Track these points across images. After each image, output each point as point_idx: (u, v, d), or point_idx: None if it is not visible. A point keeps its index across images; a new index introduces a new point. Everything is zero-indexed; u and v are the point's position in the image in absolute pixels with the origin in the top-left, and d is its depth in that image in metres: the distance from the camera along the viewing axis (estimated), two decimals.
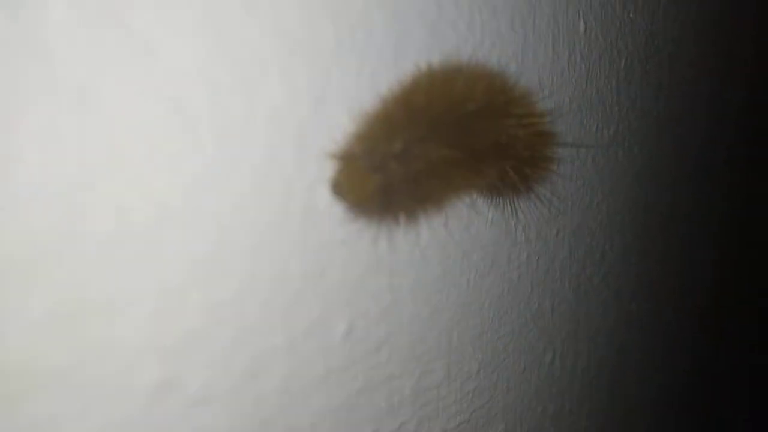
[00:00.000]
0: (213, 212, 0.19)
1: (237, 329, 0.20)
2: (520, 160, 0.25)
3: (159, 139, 0.17)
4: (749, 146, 0.67)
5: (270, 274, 0.20)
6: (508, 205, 0.28)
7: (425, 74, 0.23)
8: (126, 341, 0.18)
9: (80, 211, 0.16)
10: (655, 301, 0.56)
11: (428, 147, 0.21)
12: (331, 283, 0.22)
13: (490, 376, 0.34)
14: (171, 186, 0.18)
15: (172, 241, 0.18)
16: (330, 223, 0.22)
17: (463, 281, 0.30)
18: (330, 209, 0.21)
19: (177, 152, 0.18)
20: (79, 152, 0.16)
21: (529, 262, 0.35)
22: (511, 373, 0.36)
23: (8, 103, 0.15)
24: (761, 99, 0.67)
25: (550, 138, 0.27)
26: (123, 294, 0.17)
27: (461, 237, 0.28)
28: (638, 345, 0.55)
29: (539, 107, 0.27)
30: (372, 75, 0.22)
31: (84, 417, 0.17)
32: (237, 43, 0.18)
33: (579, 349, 0.43)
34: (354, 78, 0.21)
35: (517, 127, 0.24)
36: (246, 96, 0.18)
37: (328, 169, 0.21)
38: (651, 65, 0.44)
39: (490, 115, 0.24)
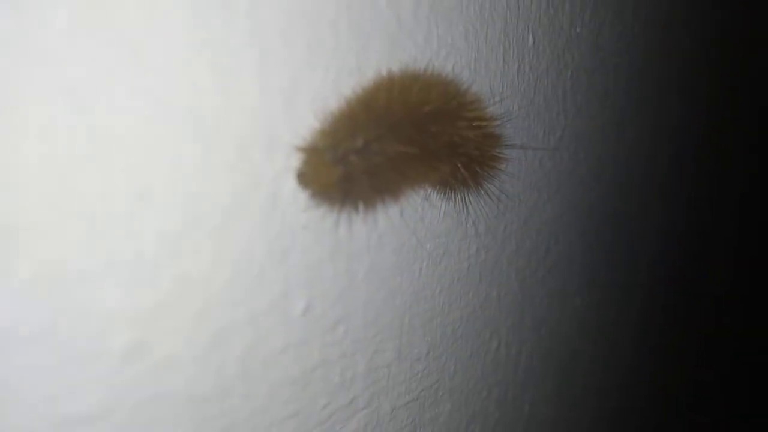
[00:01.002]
0: (187, 195, 0.21)
1: (203, 302, 0.22)
2: (470, 159, 0.28)
3: (143, 130, 0.19)
4: (693, 150, 0.72)
5: (236, 253, 0.23)
6: (460, 199, 0.31)
7: (385, 79, 0.25)
8: (100, 308, 0.19)
9: (68, 189, 0.18)
10: (600, 297, 0.59)
11: (386, 143, 0.24)
12: (292, 264, 0.24)
13: (439, 359, 0.36)
14: (151, 171, 0.20)
15: (148, 219, 0.20)
16: (294, 209, 0.24)
17: (416, 268, 0.32)
18: (294, 196, 0.24)
19: (158, 142, 0.19)
20: (70, 139, 0.18)
21: (478, 254, 0.38)
22: (459, 357, 0.39)
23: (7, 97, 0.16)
24: (706, 106, 0.72)
25: (498, 140, 0.30)
26: (100, 265, 0.19)
27: (416, 227, 0.31)
28: (584, 338, 0.59)
29: (489, 112, 0.30)
30: (337, 79, 0.24)
31: (54, 374, 0.19)
32: (218, 49, 0.20)
33: (523, 339, 0.47)
34: (321, 81, 0.24)
35: (468, 128, 0.27)
36: (224, 95, 0.21)
37: (295, 160, 0.23)
38: (597, 76, 0.48)
39: (444, 117, 0.26)
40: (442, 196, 0.31)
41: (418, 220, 0.31)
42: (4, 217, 0.17)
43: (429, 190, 0.30)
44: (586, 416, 0.63)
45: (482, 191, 0.31)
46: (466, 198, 0.31)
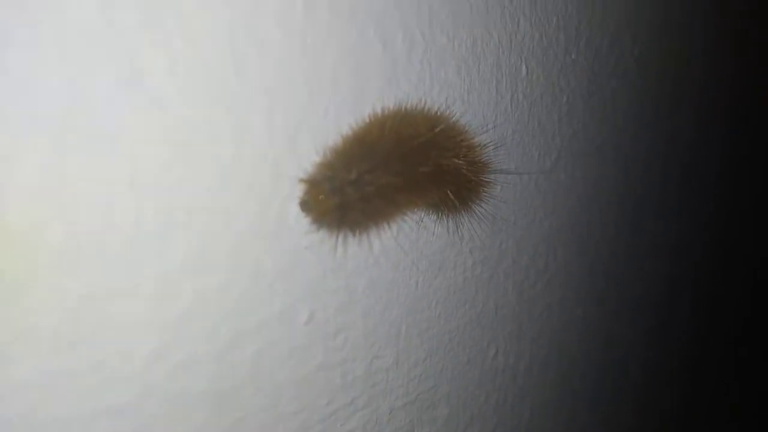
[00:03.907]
0: (206, 221, 0.25)
1: (218, 312, 0.26)
2: (458, 185, 0.31)
3: (169, 169, 0.23)
4: (695, 168, 0.74)
5: (248, 270, 0.26)
6: (452, 222, 0.34)
7: (379, 117, 0.29)
8: (130, 316, 0.23)
9: (108, 222, 0.22)
10: (601, 310, 0.62)
11: (377, 175, 0.27)
12: (296, 280, 0.28)
13: (436, 365, 0.40)
14: (176, 202, 0.23)
15: (173, 241, 0.24)
16: (298, 232, 0.27)
17: (412, 283, 0.36)
18: (298, 222, 0.27)
19: (181, 178, 0.23)
20: (111, 183, 0.21)
21: (474, 268, 0.41)
22: (456, 364, 0.42)
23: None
24: (705, 127, 0.74)
25: (486, 166, 0.33)
26: (131, 280, 0.23)
27: (410, 248, 0.34)
28: (584, 349, 0.61)
29: (476, 141, 0.33)
30: (336, 118, 0.28)
31: (95, 372, 0.23)
32: (231, 98, 0.24)
33: (521, 348, 0.49)
34: (321, 121, 0.27)
35: (455, 157, 0.30)
36: (237, 135, 0.24)
37: (298, 190, 0.27)
38: (594, 99, 0.50)
39: (432, 149, 0.29)
40: (435, 219, 0.34)
41: (412, 242, 0.34)
42: (57, 244, 0.21)
43: (422, 215, 0.34)
44: (590, 423, 0.65)
45: (474, 214, 0.34)
46: (458, 220, 0.34)
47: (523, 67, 0.40)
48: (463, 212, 0.34)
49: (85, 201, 0.21)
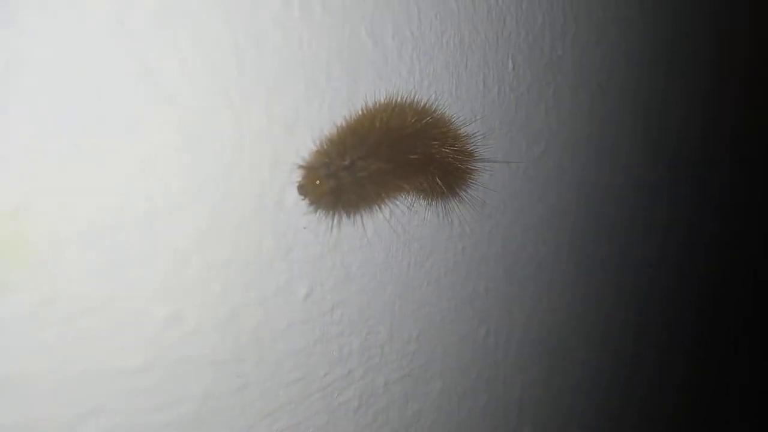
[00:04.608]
0: (212, 203, 0.27)
1: (223, 285, 0.28)
2: (444, 172, 0.34)
3: (177, 157, 0.25)
4: (684, 156, 0.76)
5: (250, 249, 0.29)
6: (442, 207, 0.37)
7: (370, 109, 0.31)
8: (147, 286, 0.26)
9: (123, 199, 0.24)
10: (590, 293, 0.64)
11: (369, 161, 0.30)
12: (295, 257, 0.31)
13: (429, 342, 0.42)
14: (186, 186, 0.26)
15: (183, 220, 0.26)
16: (296, 214, 0.30)
17: (404, 264, 0.38)
18: (296, 204, 0.30)
19: (189, 165, 0.26)
20: (116, 161, 0.24)
21: (464, 252, 0.43)
22: (448, 342, 0.44)
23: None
24: (693, 113, 0.76)
25: (471, 154, 0.35)
26: (146, 254, 0.26)
27: (402, 231, 0.37)
28: (576, 332, 0.64)
29: (463, 131, 0.35)
30: (330, 109, 0.30)
31: (114, 336, 0.25)
32: (233, 92, 0.26)
33: (512, 328, 0.52)
34: (317, 111, 0.30)
35: (441, 146, 0.33)
36: (238, 125, 0.27)
37: (296, 175, 0.29)
38: (581, 91, 0.53)
39: (420, 138, 0.32)
40: (425, 204, 0.37)
41: (404, 225, 0.37)
42: (80, 219, 0.24)
43: (413, 199, 0.36)
44: (577, 400, 0.68)
45: (463, 199, 0.37)
46: (448, 205, 0.37)
47: (510, 63, 0.42)
48: (451, 198, 0.36)
49: (105, 183, 0.24)
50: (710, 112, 0.80)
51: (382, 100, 0.32)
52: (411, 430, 0.43)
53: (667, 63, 0.67)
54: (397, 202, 0.35)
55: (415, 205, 0.37)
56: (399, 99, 0.33)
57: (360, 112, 0.31)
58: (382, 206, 0.33)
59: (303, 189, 0.29)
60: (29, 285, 0.23)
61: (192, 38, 0.25)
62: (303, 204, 0.30)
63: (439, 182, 0.34)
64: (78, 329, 0.24)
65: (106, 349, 0.25)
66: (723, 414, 1.06)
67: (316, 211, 0.30)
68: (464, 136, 0.35)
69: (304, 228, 0.31)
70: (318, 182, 0.29)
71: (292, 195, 0.30)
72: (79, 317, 0.24)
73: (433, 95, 0.36)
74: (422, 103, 0.34)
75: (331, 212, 0.30)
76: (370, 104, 0.31)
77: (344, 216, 0.31)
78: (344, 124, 0.30)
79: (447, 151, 0.33)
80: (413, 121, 0.32)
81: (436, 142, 0.33)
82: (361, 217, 0.32)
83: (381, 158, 0.30)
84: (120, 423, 0.26)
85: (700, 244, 0.87)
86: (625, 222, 0.66)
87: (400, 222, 0.37)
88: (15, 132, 0.21)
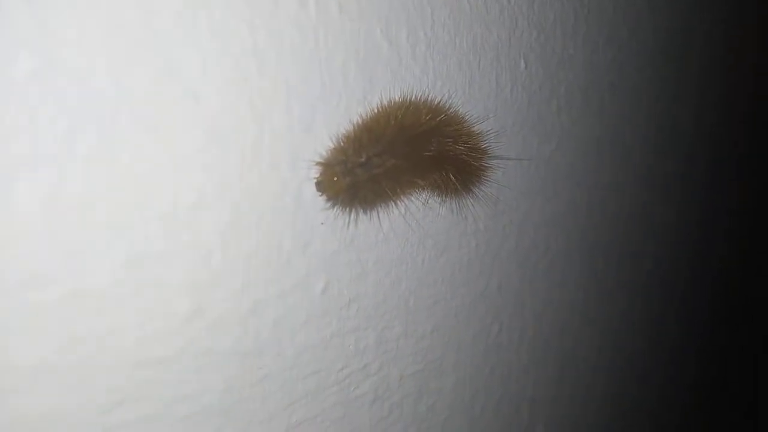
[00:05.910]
0: (233, 200, 0.28)
1: (244, 279, 0.29)
2: (458, 169, 0.34)
3: (200, 155, 0.26)
4: (696, 155, 0.76)
5: (269, 244, 0.30)
6: (455, 203, 0.38)
7: (385, 107, 0.32)
8: (171, 281, 0.27)
9: (154, 198, 0.25)
10: (602, 292, 0.64)
11: (385, 158, 0.31)
12: (313, 253, 0.31)
13: (443, 337, 0.43)
14: (208, 181, 0.27)
15: (205, 219, 0.27)
16: (314, 210, 0.31)
17: (419, 260, 0.39)
18: (314, 200, 0.31)
19: (211, 163, 0.27)
20: (142, 158, 0.25)
21: (478, 249, 0.44)
22: (462, 338, 0.45)
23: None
24: (704, 113, 0.76)
25: (485, 152, 0.36)
26: (171, 251, 0.26)
27: (417, 227, 0.37)
28: (587, 330, 0.64)
29: (476, 129, 0.36)
30: (347, 107, 0.31)
31: (142, 327, 0.26)
32: (253, 91, 0.27)
33: (525, 326, 0.52)
34: (334, 110, 0.30)
35: (455, 143, 0.34)
36: (258, 124, 0.28)
37: (314, 172, 0.30)
38: (592, 91, 0.53)
39: (434, 135, 0.33)
40: (439, 200, 0.38)
41: (419, 219, 0.37)
42: (107, 215, 0.24)
43: (428, 196, 0.37)
44: (590, 398, 0.68)
45: (476, 196, 0.37)
46: (461, 202, 0.37)
47: (522, 62, 0.43)
48: (464, 194, 0.37)
49: (131, 180, 0.25)
50: (721, 110, 0.80)
51: (397, 99, 0.33)
52: (425, 425, 0.44)
53: (677, 61, 0.67)
54: (412, 199, 0.36)
55: (429, 201, 0.37)
56: (413, 97, 0.33)
57: (375, 111, 0.32)
58: (398, 202, 0.34)
59: (320, 185, 0.30)
60: (60, 277, 0.24)
61: (214, 39, 0.26)
62: (321, 200, 0.31)
63: (453, 179, 0.34)
64: (106, 321, 0.25)
65: (133, 340, 0.26)
66: (736, 413, 1.05)
67: (333, 207, 0.31)
68: (477, 133, 0.36)
69: (322, 224, 0.31)
70: (335, 179, 0.30)
71: (310, 191, 0.30)
72: (108, 310, 0.25)
73: (447, 94, 0.37)
74: (436, 102, 0.34)
75: (347, 208, 0.31)
76: (385, 103, 0.32)
77: (361, 212, 0.32)
78: (360, 122, 0.31)
79: (461, 148, 0.34)
80: (427, 119, 0.32)
81: (449, 140, 0.33)
82: (377, 213, 0.33)
83: (396, 155, 0.31)
84: (146, 412, 0.27)
85: (713, 242, 0.87)
86: (637, 220, 0.66)
87: (415, 218, 0.37)
88: (47, 129, 0.22)
